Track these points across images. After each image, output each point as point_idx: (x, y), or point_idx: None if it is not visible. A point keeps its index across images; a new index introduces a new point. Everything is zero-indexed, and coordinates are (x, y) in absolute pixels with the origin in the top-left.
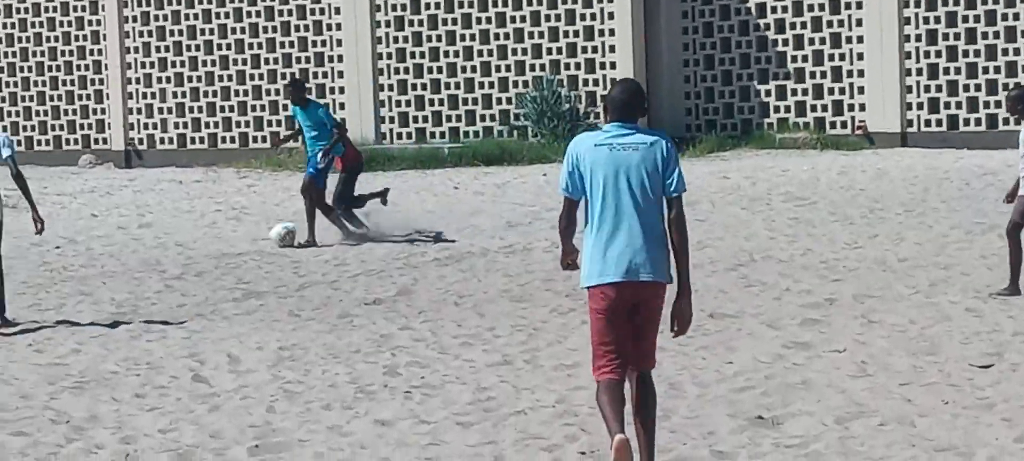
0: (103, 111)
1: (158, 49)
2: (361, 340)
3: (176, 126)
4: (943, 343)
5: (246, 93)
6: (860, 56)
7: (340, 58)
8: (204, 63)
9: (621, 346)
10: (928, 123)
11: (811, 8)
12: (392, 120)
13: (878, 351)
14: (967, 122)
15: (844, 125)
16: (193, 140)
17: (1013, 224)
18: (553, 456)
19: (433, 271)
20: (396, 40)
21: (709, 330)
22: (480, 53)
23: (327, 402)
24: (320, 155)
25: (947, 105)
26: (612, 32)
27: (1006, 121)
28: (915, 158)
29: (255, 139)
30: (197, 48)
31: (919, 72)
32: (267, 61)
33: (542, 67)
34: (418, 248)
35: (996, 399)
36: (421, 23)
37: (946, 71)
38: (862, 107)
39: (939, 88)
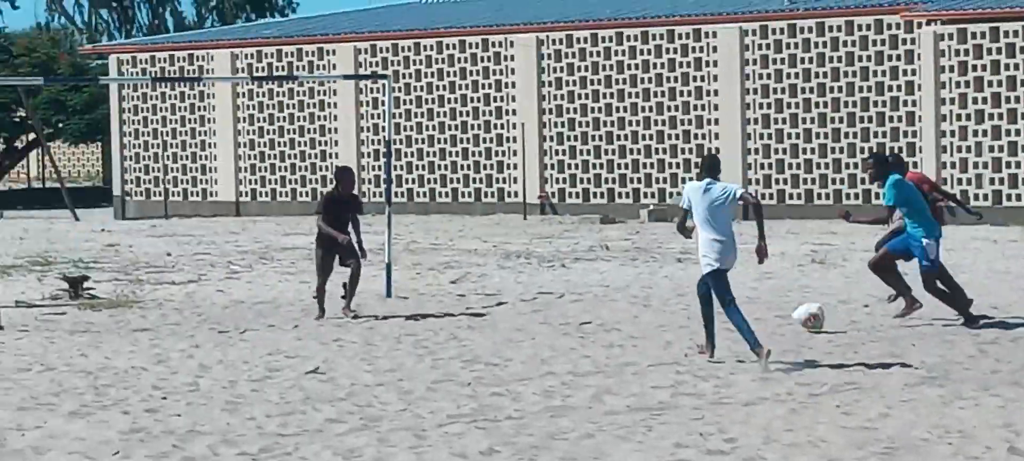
0: (914, 165)
1: (975, 101)
2: None
3: (991, 182)
4: None
5: None
6: None
7: None
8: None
9: None
10: None
11: None
12: None
13: None
14: None
15: None
16: (1009, 196)
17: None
18: None
19: None
20: None
21: None
22: None
23: None
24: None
25: None
26: None
27: None
28: None
29: None
30: (1016, 100)
31: None
32: None
33: None
34: None
35: None
36: None
37: None
38: None
39: None
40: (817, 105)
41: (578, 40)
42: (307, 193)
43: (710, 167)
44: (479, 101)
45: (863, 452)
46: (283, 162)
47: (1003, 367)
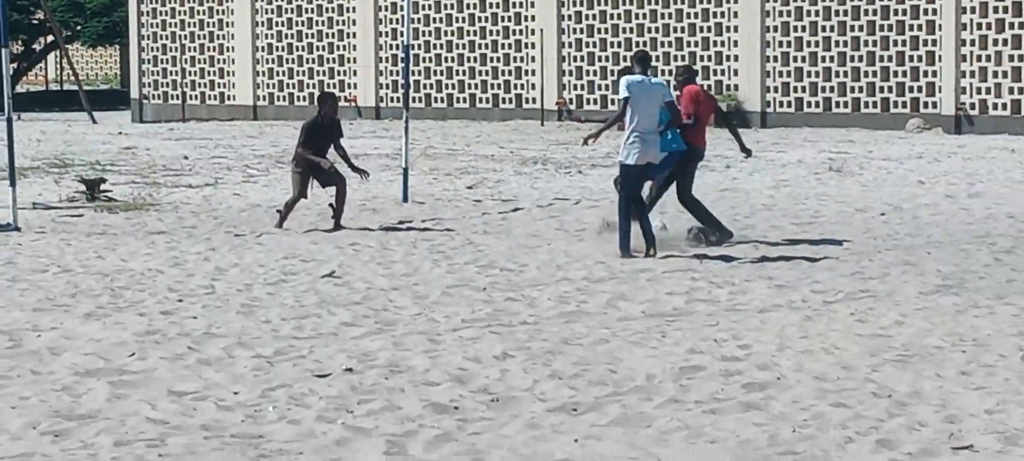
0: (934, 74)
1: (995, 9)
2: None
3: (1011, 91)
4: None
5: None
6: None
7: None
8: None
9: None
10: None
11: None
12: None
13: None
14: None
15: None
16: None
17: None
18: None
19: None
20: None
21: None
22: None
23: None
24: None
25: None
26: None
27: None
28: None
29: None
30: None
31: None
32: None
33: None
34: None
35: None
36: None
37: None
38: None
39: None
40: (837, 13)
41: None
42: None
43: (643, 60)
44: (498, 6)
45: (877, 359)
46: (301, 66)
47: (1018, 276)
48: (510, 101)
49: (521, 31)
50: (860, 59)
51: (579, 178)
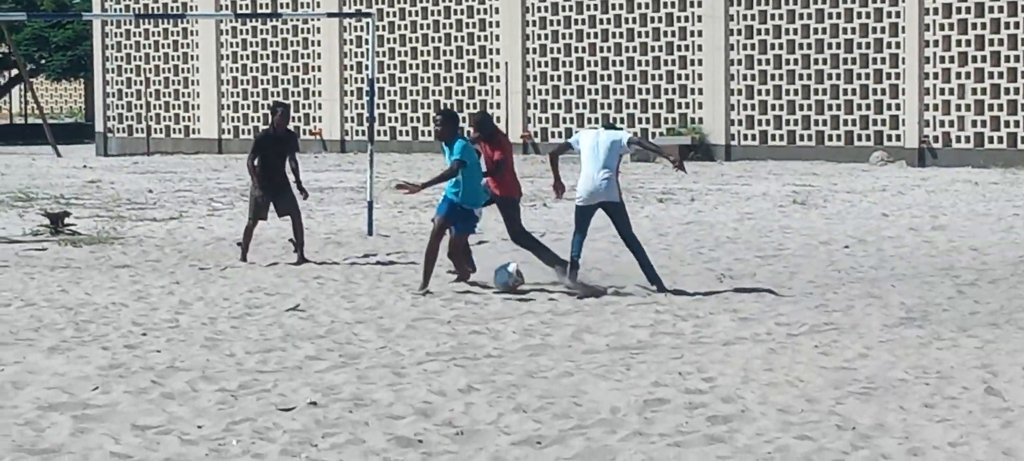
0: (898, 107)
1: (958, 43)
2: None
3: (974, 124)
4: None
5: None
6: None
7: None
8: (1006, 58)
9: None
10: None
11: None
12: None
13: None
14: None
15: None
16: (991, 139)
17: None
18: None
19: None
20: None
21: None
22: None
23: None
24: None
25: None
26: None
27: None
28: None
29: None
30: (999, 42)
31: None
32: None
33: None
34: None
35: None
36: None
37: None
38: None
39: None
40: (801, 46)
41: None
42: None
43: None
44: (463, 40)
45: (841, 392)
46: (266, 100)
47: (982, 309)
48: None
49: (486, 64)
50: (824, 92)
51: (544, 212)
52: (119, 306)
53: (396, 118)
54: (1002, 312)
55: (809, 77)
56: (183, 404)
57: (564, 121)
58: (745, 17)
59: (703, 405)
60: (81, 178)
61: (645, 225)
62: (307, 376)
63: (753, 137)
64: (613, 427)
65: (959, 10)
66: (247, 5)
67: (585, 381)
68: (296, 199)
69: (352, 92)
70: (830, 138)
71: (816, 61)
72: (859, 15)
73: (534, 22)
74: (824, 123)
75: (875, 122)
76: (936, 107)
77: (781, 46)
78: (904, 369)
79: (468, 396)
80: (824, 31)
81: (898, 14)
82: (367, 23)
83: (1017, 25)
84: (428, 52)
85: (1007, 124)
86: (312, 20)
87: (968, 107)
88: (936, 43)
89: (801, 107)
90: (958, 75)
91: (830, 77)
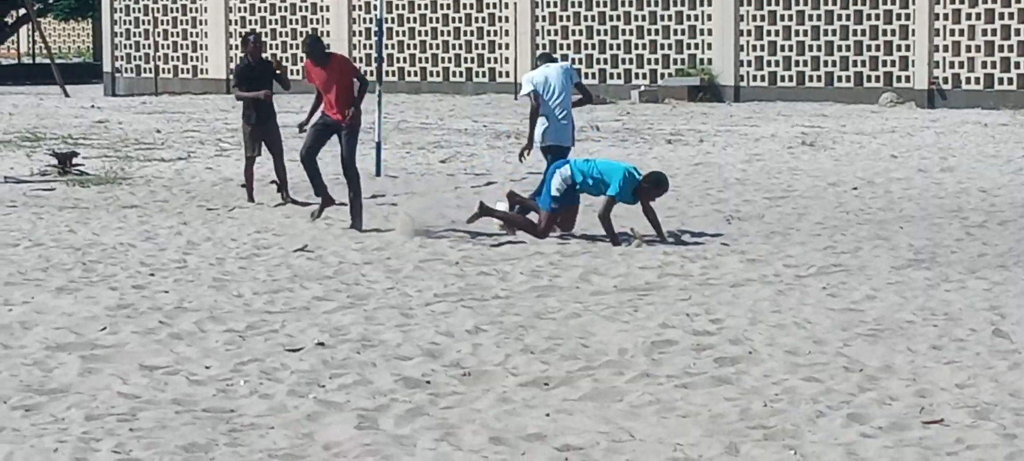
0: (907, 48)
1: None
2: None
3: (984, 65)
4: None
5: None
6: None
7: None
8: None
9: None
10: None
11: None
12: None
13: None
14: None
15: None
16: (1001, 80)
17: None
18: None
19: None
20: None
21: None
22: None
23: None
24: None
25: None
26: None
27: None
28: None
29: None
30: None
31: None
32: None
33: None
34: None
35: None
36: None
37: None
38: None
39: None
40: None
41: None
42: (298, 71)
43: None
44: None
45: (848, 333)
46: (274, 39)
47: (990, 250)
48: (483, 75)
49: (494, 4)
50: (833, 33)
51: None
52: (127, 247)
53: (404, 58)
54: (1010, 254)
55: (819, 18)
56: (191, 345)
57: (574, 62)
58: None
59: (710, 346)
60: (89, 118)
61: (654, 166)
62: (314, 317)
63: (762, 78)
64: (620, 368)
65: None
66: None
67: (593, 322)
68: (280, 135)
69: (361, 32)
70: (839, 79)
71: (826, 2)
72: None
73: None
74: (833, 64)
75: (885, 63)
76: (946, 48)
77: None
78: (912, 311)
79: (475, 337)
80: None
81: None
82: None
83: None
84: None
85: (1017, 66)
86: None
87: (978, 48)
88: None
89: (810, 48)
90: (969, 16)
91: (840, 18)
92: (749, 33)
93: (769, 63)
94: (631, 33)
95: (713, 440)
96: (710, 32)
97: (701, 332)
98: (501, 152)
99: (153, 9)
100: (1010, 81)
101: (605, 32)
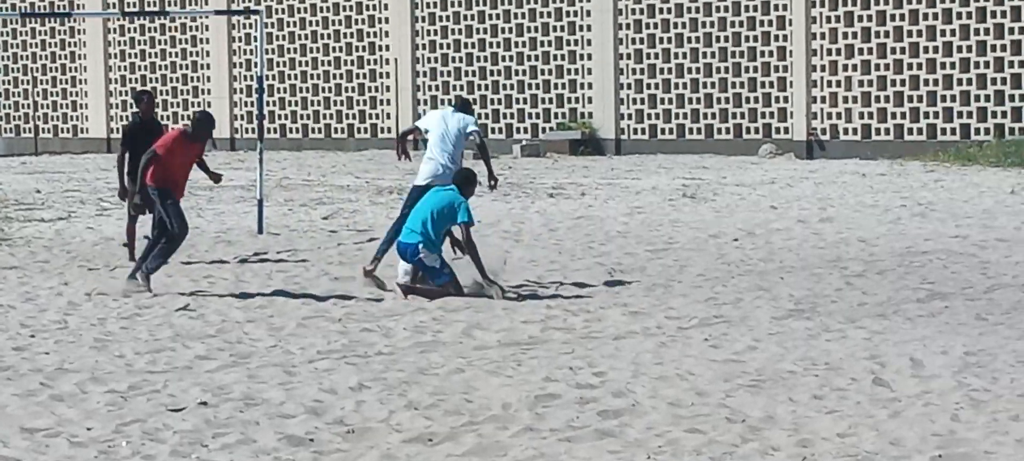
0: (786, 100)
1: (845, 35)
2: None
3: (861, 116)
4: None
5: (935, 83)
6: None
7: None
8: (892, 51)
9: None
10: None
11: None
12: None
13: None
14: None
15: None
16: (878, 131)
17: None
18: None
19: None
20: None
21: None
22: None
23: (1016, 413)
24: None
25: None
26: None
27: None
28: None
29: (944, 131)
30: (886, 35)
31: None
32: (967, 49)
33: None
34: None
35: None
36: None
37: None
38: None
39: None
40: (689, 40)
41: None
42: (156, 119)
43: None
44: (353, 36)
45: (731, 384)
46: (154, 99)
47: (869, 299)
48: (365, 131)
49: (376, 61)
50: (713, 85)
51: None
52: (7, 308)
53: (285, 115)
54: (889, 303)
55: (698, 70)
56: (72, 406)
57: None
58: (634, 11)
59: (594, 399)
60: None
61: (536, 220)
62: (197, 376)
63: (643, 131)
64: (504, 423)
65: (846, 2)
66: (134, 3)
67: (476, 377)
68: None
69: (241, 89)
70: (719, 131)
71: (704, 54)
72: (747, 8)
73: (423, 18)
74: (713, 116)
75: (763, 115)
76: (824, 100)
77: (670, 40)
78: (793, 361)
79: (359, 394)
80: (712, 25)
81: (785, 7)
82: (255, 20)
83: (903, 17)
84: (317, 49)
85: (894, 116)
86: (200, 17)
87: (855, 99)
88: (823, 36)
89: (690, 101)
90: (845, 67)
91: (718, 70)
92: (629, 86)
93: (649, 116)
94: (512, 88)
95: None
96: (590, 86)
97: (584, 385)
98: (384, 208)
99: (32, 69)
100: (887, 131)
101: (486, 87)
